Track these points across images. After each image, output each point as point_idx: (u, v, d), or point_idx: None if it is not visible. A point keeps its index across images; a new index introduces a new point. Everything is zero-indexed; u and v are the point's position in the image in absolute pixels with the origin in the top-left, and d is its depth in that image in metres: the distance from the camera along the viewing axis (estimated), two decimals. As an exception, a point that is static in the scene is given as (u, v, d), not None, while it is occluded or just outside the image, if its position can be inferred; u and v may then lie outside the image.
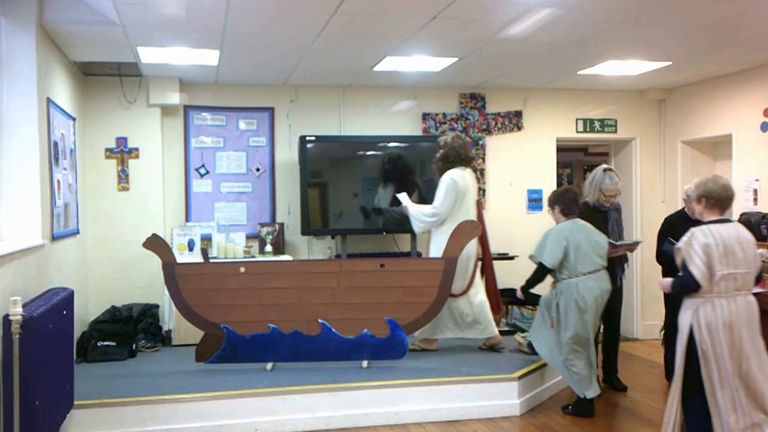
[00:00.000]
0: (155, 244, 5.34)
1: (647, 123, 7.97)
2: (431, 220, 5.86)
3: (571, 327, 4.95)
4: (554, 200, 5.21)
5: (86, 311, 6.41)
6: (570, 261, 4.97)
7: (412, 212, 5.98)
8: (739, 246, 3.82)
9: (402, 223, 6.40)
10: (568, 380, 5.13)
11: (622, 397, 5.61)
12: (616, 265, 5.54)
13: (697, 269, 3.80)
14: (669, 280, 4.05)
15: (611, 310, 5.63)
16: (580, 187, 8.69)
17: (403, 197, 6.15)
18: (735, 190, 4.07)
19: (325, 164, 6.99)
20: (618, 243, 5.35)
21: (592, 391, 5.01)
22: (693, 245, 3.83)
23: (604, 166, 5.69)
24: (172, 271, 5.30)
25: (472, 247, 5.78)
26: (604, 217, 5.56)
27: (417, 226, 5.99)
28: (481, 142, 7.55)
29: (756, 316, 3.90)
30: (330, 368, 5.28)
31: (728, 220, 3.97)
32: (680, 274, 3.95)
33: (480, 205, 6.10)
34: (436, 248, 5.77)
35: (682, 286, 3.91)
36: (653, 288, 6.82)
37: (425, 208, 5.94)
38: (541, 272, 5.10)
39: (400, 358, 5.37)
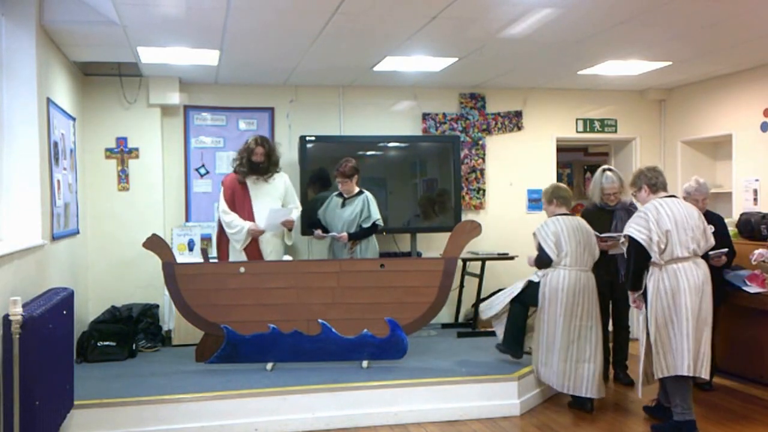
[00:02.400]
0: (155, 244, 5.35)
1: (647, 123, 7.97)
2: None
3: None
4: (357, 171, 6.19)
5: (86, 311, 6.41)
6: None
7: (296, 218, 6.18)
8: (579, 232, 5.12)
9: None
10: None
11: (621, 396, 5.61)
12: (619, 260, 5.53)
13: (548, 248, 5.09)
14: (533, 255, 5.27)
15: (617, 306, 5.81)
16: (580, 188, 8.76)
17: (280, 212, 6.02)
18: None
19: (325, 164, 6.97)
20: (603, 235, 5.42)
21: None
22: (546, 231, 5.13)
23: (604, 166, 5.86)
24: (172, 271, 5.30)
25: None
26: (610, 215, 5.62)
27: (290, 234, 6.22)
28: (481, 142, 7.55)
29: (593, 287, 5.12)
30: (330, 368, 5.28)
31: (573, 214, 5.26)
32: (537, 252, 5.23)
33: None
34: (281, 253, 6.15)
35: (540, 261, 5.19)
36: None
37: (296, 212, 6.20)
38: (374, 228, 6.13)
39: (400, 358, 5.38)
